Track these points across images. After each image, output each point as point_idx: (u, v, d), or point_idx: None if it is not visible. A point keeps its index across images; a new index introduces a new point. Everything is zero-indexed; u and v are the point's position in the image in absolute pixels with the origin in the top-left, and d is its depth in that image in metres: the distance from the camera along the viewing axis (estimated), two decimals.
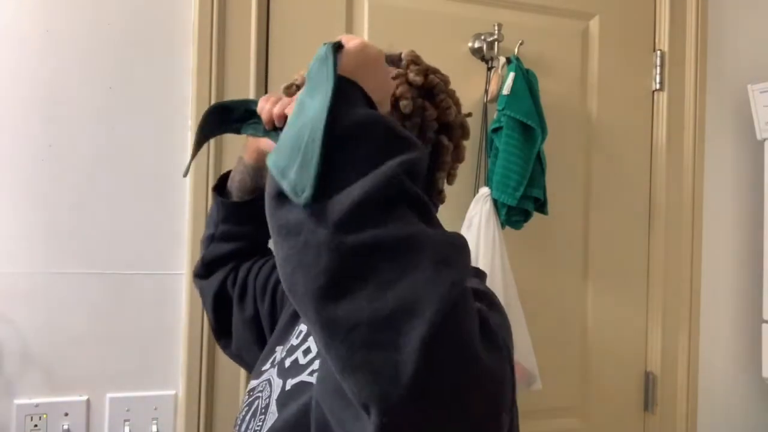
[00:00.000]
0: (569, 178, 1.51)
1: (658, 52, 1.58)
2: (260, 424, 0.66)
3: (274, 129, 0.77)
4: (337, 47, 0.56)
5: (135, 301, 1.22)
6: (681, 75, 1.57)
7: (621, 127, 1.56)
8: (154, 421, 1.22)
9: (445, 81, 0.78)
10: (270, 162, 0.51)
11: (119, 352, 1.21)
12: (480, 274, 0.73)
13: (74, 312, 1.19)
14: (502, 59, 1.38)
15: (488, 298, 0.58)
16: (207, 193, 1.24)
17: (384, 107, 0.62)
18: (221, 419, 1.25)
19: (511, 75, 1.33)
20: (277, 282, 0.89)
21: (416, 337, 0.42)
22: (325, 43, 0.56)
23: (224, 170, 1.25)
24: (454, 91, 0.80)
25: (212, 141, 1.22)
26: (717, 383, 1.61)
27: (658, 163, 1.57)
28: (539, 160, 1.33)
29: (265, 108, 0.77)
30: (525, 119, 1.30)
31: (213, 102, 1.23)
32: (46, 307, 1.18)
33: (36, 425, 1.15)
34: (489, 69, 1.41)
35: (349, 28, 1.35)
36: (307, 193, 0.46)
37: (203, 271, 0.95)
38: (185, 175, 0.87)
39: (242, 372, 1.25)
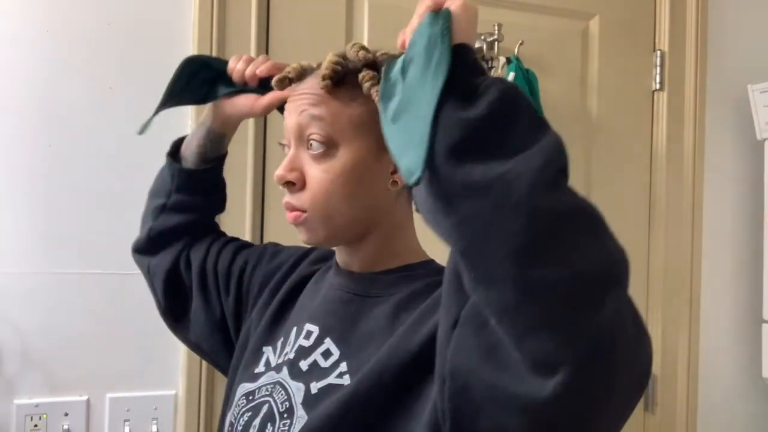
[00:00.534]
0: (569, 177, 1.51)
1: (658, 52, 1.58)
2: (285, 428, 0.64)
3: (244, 88, 0.80)
4: (447, 17, 0.56)
5: (135, 301, 1.22)
6: (681, 75, 1.57)
7: (621, 127, 1.56)
8: (154, 421, 1.22)
9: None
10: (391, 146, 0.52)
11: (119, 352, 1.21)
12: None
13: (74, 312, 1.19)
14: (502, 59, 1.38)
15: None
16: None
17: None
18: None
19: (511, 75, 1.33)
20: (242, 273, 0.86)
21: (613, 304, 0.45)
22: (432, 16, 0.56)
23: (225, 174, 1.26)
24: None
25: None
26: (717, 383, 1.61)
27: (658, 163, 1.57)
28: None
29: (237, 67, 0.80)
30: None
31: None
32: (46, 307, 1.18)
33: (36, 425, 1.15)
34: (489, 69, 1.41)
35: (349, 28, 1.35)
36: (416, 176, 0.48)
37: (149, 245, 0.89)
38: (141, 132, 0.83)
39: None
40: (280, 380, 0.70)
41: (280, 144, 0.72)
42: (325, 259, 0.83)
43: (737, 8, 1.64)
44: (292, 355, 0.71)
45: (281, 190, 0.70)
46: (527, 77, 1.35)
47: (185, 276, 0.88)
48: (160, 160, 1.15)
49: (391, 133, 0.53)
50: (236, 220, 1.26)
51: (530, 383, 0.45)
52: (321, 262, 0.83)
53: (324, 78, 0.66)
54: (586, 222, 0.48)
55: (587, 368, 0.44)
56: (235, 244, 0.91)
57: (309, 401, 0.64)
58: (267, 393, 0.70)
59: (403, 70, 0.56)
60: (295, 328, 0.74)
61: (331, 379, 0.65)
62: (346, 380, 0.64)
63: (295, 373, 0.69)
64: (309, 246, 0.85)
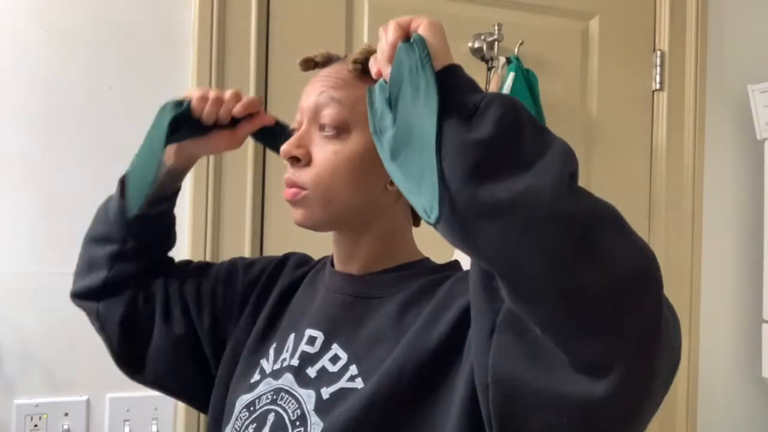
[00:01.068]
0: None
1: (658, 52, 1.58)
2: None
3: (215, 126, 0.76)
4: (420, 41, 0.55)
5: None
6: (681, 75, 1.57)
7: (621, 127, 1.56)
8: (154, 421, 1.22)
9: None
10: (397, 180, 0.52)
11: None
12: None
13: (75, 312, 1.18)
14: (502, 59, 1.38)
15: None
16: (207, 193, 1.24)
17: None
18: None
19: (511, 75, 1.33)
20: (213, 295, 0.82)
21: (654, 297, 0.47)
22: (404, 44, 0.55)
23: (224, 174, 1.26)
24: None
25: None
26: (717, 383, 1.61)
27: (658, 163, 1.57)
28: None
29: (206, 109, 0.75)
30: None
31: None
32: (46, 307, 1.18)
33: (36, 425, 1.15)
34: (489, 69, 1.41)
35: (349, 28, 1.35)
36: (435, 214, 0.48)
37: (100, 294, 0.81)
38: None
39: None
40: (283, 387, 0.69)
41: (291, 129, 0.72)
42: (305, 263, 0.83)
43: (737, 8, 1.64)
44: (295, 362, 0.70)
45: (281, 188, 0.70)
46: (527, 77, 1.35)
47: (142, 317, 0.81)
48: None
49: (394, 171, 0.53)
50: (236, 221, 1.26)
51: (584, 384, 0.46)
52: (302, 266, 0.82)
53: (355, 61, 0.66)
54: (611, 219, 0.48)
55: (639, 364, 0.46)
56: (194, 267, 0.86)
57: (322, 407, 0.64)
58: (268, 401, 0.69)
59: (389, 103, 0.56)
60: (293, 335, 0.73)
61: (342, 383, 0.64)
62: (358, 383, 0.63)
63: (304, 381, 0.67)
64: (281, 255, 0.85)
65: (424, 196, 0.49)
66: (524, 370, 0.49)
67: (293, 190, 0.67)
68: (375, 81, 0.61)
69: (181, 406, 1.23)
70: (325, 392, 0.65)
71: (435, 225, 0.49)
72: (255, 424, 0.68)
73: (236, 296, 0.82)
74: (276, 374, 0.71)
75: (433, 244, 0.71)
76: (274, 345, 0.74)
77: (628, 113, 1.56)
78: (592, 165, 1.53)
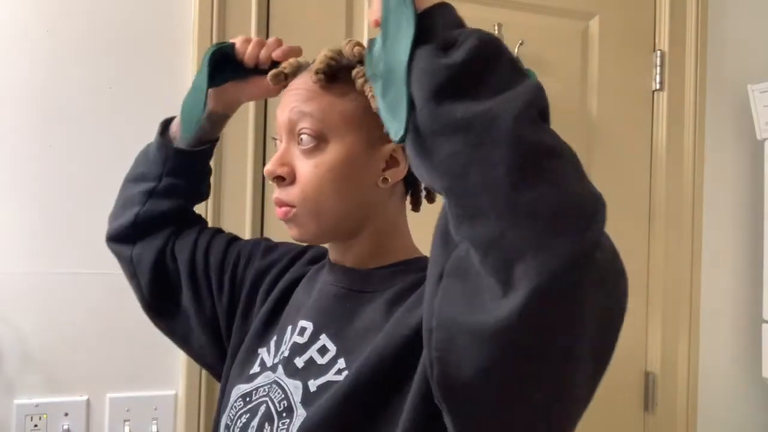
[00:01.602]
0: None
1: (658, 52, 1.58)
2: (284, 427, 0.64)
3: (256, 71, 0.77)
4: None
5: (135, 301, 1.21)
6: (681, 75, 1.57)
7: (621, 127, 1.56)
8: (154, 421, 1.22)
9: None
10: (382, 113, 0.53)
11: (119, 352, 1.21)
12: None
13: (74, 312, 1.19)
14: None
15: None
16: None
17: None
18: None
19: None
20: (235, 268, 0.84)
21: (598, 229, 0.46)
22: None
23: (224, 174, 1.26)
24: None
25: None
26: (717, 383, 1.61)
27: (658, 163, 1.57)
28: None
29: (248, 51, 0.77)
30: None
31: None
32: (46, 307, 1.18)
33: (36, 425, 1.15)
34: None
35: (349, 28, 1.36)
36: (401, 133, 0.50)
37: (133, 233, 0.84)
38: (187, 131, 0.81)
39: None
40: (276, 380, 0.69)
41: (273, 138, 0.72)
42: (320, 260, 0.83)
43: (737, 8, 1.64)
44: (287, 353, 0.70)
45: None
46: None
47: (171, 268, 0.84)
48: None
49: (383, 108, 0.54)
50: (236, 220, 1.26)
51: (499, 308, 0.46)
52: (316, 263, 0.83)
53: (317, 72, 0.66)
54: (570, 158, 0.49)
55: (554, 287, 0.44)
56: (224, 236, 0.88)
57: (308, 400, 0.64)
58: (264, 394, 0.69)
59: (384, 46, 0.57)
60: (290, 327, 0.74)
61: (330, 377, 0.64)
62: (345, 376, 0.63)
63: (291, 371, 0.68)
64: (304, 245, 0.85)
65: (396, 120, 0.51)
66: (461, 312, 0.49)
67: (283, 209, 0.68)
68: (340, 89, 0.64)
69: (181, 406, 1.23)
70: (313, 385, 0.65)
71: (401, 143, 0.52)
72: (248, 415, 0.69)
73: (248, 278, 0.83)
74: (274, 368, 0.71)
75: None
76: (275, 338, 0.75)
77: (628, 113, 1.56)
78: (592, 165, 1.53)
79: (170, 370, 1.24)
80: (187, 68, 1.25)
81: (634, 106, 1.57)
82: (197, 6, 1.24)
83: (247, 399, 0.71)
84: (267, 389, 0.69)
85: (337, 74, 0.67)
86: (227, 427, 0.72)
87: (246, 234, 1.26)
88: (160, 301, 0.86)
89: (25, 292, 1.17)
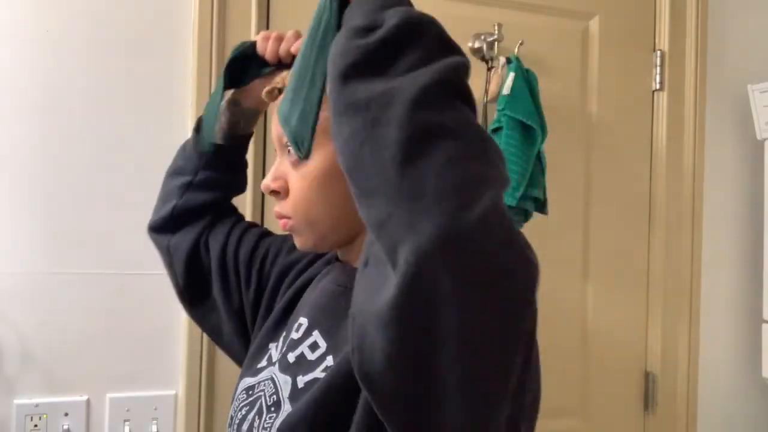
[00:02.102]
0: (569, 178, 1.51)
1: (658, 52, 1.58)
2: (271, 421, 0.64)
3: (279, 66, 0.80)
4: None
5: (135, 301, 1.22)
6: (681, 75, 1.57)
7: (621, 127, 1.56)
8: (154, 421, 1.22)
9: None
10: (278, 109, 0.55)
11: (119, 352, 1.21)
12: None
13: (74, 312, 1.19)
14: (502, 59, 1.38)
15: None
16: None
17: None
18: (221, 419, 1.25)
19: (511, 75, 1.33)
20: (263, 261, 0.86)
21: (483, 210, 0.44)
22: None
23: None
24: None
25: None
26: (717, 383, 1.61)
27: (658, 163, 1.57)
28: (539, 160, 1.33)
29: (268, 48, 0.79)
30: (525, 119, 1.30)
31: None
32: (46, 307, 1.18)
33: (36, 425, 1.15)
34: (489, 69, 1.41)
35: None
36: (306, 147, 0.52)
37: (171, 224, 0.88)
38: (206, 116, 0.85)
39: None
40: (272, 375, 0.70)
41: (275, 150, 0.74)
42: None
43: (737, 8, 1.64)
44: (282, 348, 0.72)
45: None
46: (527, 77, 1.35)
47: (205, 259, 0.87)
48: (160, 160, 1.14)
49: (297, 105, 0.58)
50: None
51: (388, 291, 0.45)
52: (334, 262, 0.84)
53: (270, 92, 0.71)
54: (468, 139, 0.47)
55: (427, 268, 0.43)
56: (256, 230, 0.90)
57: (295, 395, 0.64)
58: (262, 388, 0.70)
59: (312, 46, 0.60)
60: (295, 324, 0.75)
61: (317, 374, 0.64)
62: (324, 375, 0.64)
63: (284, 366, 0.69)
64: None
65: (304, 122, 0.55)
66: (369, 299, 0.48)
67: (282, 221, 0.71)
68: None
69: (181, 406, 1.23)
70: (301, 381, 0.65)
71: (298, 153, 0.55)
72: (247, 407, 0.70)
73: (275, 272, 0.85)
74: (276, 363, 0.72)
75: None
76: (284, 334, 0.76)
77: (628, 113, 1.57)
78: (592, 165, 1.53)
79: (170, 370, 1.24)
80: (187, 68, 1.25)
81: (634, 106, 1.57)
82: (197, 6, 1.24)
83: (250, 392, 0.72)
84: (265, 384, 0.70)
85: None
86: (231, 418, 0.73)
87: None
88: (194, 291, 0.88)
89: (25, 292, 1.17)
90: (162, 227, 0.89)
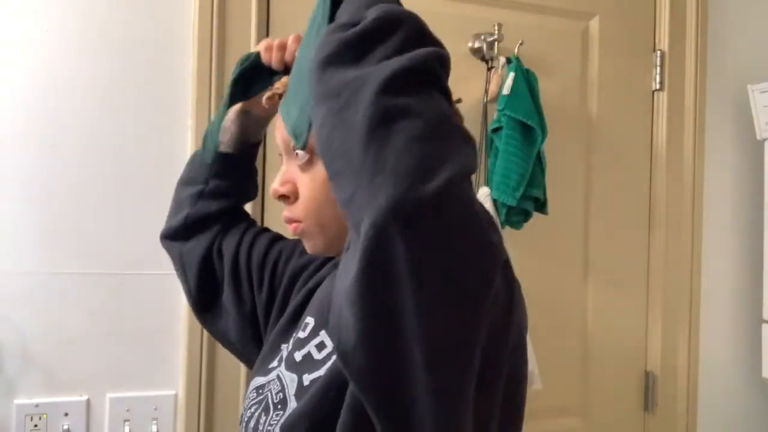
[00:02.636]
0: (569, 178, 1.51)
1: (658, 52, 1.58)
2: (277, 419, 0.65)
3: (287, 72, 0.80)
4: None
5: (135, 301, 1.22)
6: (681, 75, 1.58)
7: (621, 127, 1.56)
8: (154, 421, 1.22)
9: None
10: (280, 107, 0.57)
11: (119, 352, 1.21)
12: None
13: (74, 312, 1.19)
14: (502, 59, 1.38)
15: None
16: None
17: None
18: (221, 419, 1.25)
19: (511, 75, 1.33)
20: (275, 265, 0.86)
21: (439, 181, 0.45)
22: None
23: None
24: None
25: None
26: (717, 383, 1.61)
27: (658, 163, 1.58)
28: (539, 160, 1.33)
29: (273, 57, 0.80)
30: (525, 119, 1.30)
31: (212, 102, 1.23)
32: (46, 307, 1.18)
33: (36, 425, 1.15)
34: (489, 69, 1.41)
35: None
36: (303, 138, 0.54)
37: (183, 232, 0.89)
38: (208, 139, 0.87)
39: (242, 372, 1.25)
40: (279, 373, 0.71)
41: (279, 155, 0.74)
42: None
43: (737, 8, 1.64)
44: (290, 347, 0.72)
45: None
46: (527, 77, 1.35)
47: (217, 265, 0.88)
48: (160, 160, 1.15)
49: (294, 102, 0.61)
50: None
51: (353, 268, 0.46)
52: None
53: (270, 98, 0.72)
54: (432, 121, 0.48)
55: (381, 243, 0.44)
56: (268, 235, 0.91)
57: (301, 393, 0.65)
58: (271, 386, 0.71)
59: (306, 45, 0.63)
60: (303, 323, 0.75)
61: (322, 372, 0.65)
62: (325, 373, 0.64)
63: (290, 364, 0.69)
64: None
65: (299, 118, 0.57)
66: (344, 279, 0.49)
67: (293, 225, 0.71)
68: None
69: (181, 406, 1.23)
70: (306, 379, 0.66)
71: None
72: (257, 406, 0.70)
73: (287, 275, 0.86)
74: (287, 360, 0.73)
75: None
76: (295, 335, 0.76)
77: (628, 113, 1.57)
78: (592, 165, 1.53)
79: (170, 370, 1.24)
80: (187, 68, 1.25)
81: (634, 106, 1.57)
82: (197, 6, 1.24)
83: (260, 391, 0.72)
84: (272, 382, 0.71)
85: None
86: (242, 417, 0.73)
87: None
88: (206, 297, 0.89)
89: (26, 292, 1.17)
90: (175, 235, 0.90)
